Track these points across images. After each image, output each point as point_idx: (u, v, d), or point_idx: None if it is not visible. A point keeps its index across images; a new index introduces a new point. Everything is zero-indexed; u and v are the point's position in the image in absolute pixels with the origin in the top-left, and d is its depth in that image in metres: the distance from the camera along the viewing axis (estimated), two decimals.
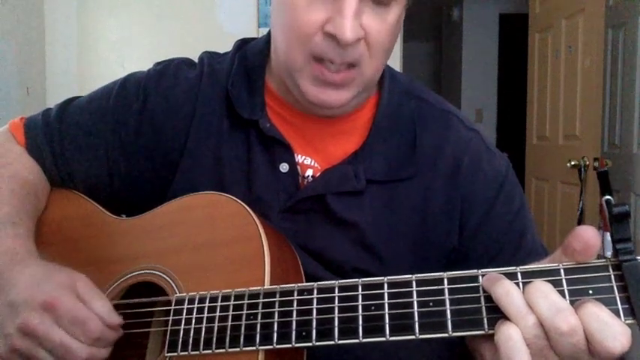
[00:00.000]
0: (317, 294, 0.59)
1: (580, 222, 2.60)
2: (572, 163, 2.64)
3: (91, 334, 0.63)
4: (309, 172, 0.78)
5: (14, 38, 2.45)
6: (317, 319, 0.58)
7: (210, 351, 0.62)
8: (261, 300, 0.61)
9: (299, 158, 0.78)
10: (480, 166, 0.78)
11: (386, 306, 0.55)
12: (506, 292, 0.50)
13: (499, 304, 0.51)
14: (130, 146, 0.81)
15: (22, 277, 0.66)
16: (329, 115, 0.77)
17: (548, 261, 0.54)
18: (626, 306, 0.48)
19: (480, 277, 0.54)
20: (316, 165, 0.78)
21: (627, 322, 0.48)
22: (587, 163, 2.57)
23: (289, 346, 0.58)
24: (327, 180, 0.76)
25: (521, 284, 0.52)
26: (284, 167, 0.76)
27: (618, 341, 0.46)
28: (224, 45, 0.89)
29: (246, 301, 0.62)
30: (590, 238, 0.50)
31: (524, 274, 0.52)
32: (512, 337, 0.49)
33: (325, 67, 0.69)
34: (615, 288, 0.49)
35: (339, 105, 0.72)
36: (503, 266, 0.54)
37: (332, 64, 0.69)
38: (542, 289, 0.49)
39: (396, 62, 2.68)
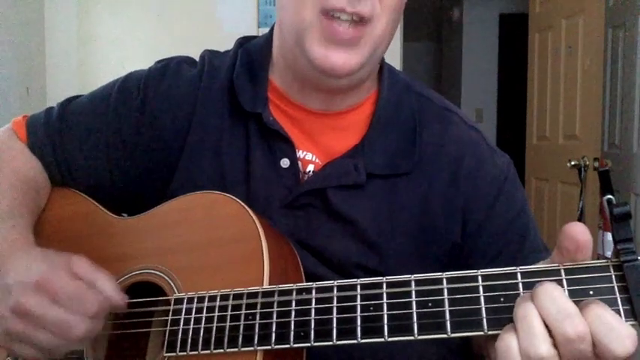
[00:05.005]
0: (315, 294, 0.59)
1: (580, 222, 2.59)
2: (572, 163, 2.64)
3: (89, 309, 0.62)
4: (311, 168, 0.77)
5: (14, 38, 2.45)
6: (315, 320, 0.57)
7: (208, 351, 0.61)
8: (259, 300, 0.61)
9: (300, 154, 0.77)
10: (482, 164, 0.78)
11: (384, 306, 0.55)
12: (523, 316, 0.48)
13: (515, 322, 0.49)
14: (131, 144, 0.81)
15: (18, 262, 0.65)
16: (335, 87, 0.75)
17: (548, 262, 0.54)
18: (627, 307, 0.48)
19: (480, 278, 0.53)
20: (317, 160, 0.78)
21: (628, 323, 0.47)
22: (587, 163, 2.57)
23: (287, 346, 0.58)
24: (327, 174, 0.75)
25: (521, 284, 0.51)
26: (285, 162, 0.76)
27: (624, 345, 0.45)
28: (224, 45, 0.89)
29: (244, 301, 0.61)
30: (578, 234, 0.49)
31: (524, 275, 0.52)
32: (510, 348, 0.48)
33: (335, 22, 0.68)
34: (616, 289, 0.49)
35: (348, 69, 0.70)
36: (505, 265, 0.53)
37: (343, 16, 0.67)
38: (551, 292, 0.48)
39: (396, 62, 2.68)
